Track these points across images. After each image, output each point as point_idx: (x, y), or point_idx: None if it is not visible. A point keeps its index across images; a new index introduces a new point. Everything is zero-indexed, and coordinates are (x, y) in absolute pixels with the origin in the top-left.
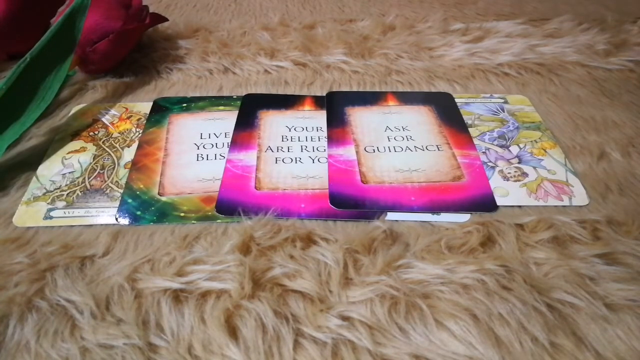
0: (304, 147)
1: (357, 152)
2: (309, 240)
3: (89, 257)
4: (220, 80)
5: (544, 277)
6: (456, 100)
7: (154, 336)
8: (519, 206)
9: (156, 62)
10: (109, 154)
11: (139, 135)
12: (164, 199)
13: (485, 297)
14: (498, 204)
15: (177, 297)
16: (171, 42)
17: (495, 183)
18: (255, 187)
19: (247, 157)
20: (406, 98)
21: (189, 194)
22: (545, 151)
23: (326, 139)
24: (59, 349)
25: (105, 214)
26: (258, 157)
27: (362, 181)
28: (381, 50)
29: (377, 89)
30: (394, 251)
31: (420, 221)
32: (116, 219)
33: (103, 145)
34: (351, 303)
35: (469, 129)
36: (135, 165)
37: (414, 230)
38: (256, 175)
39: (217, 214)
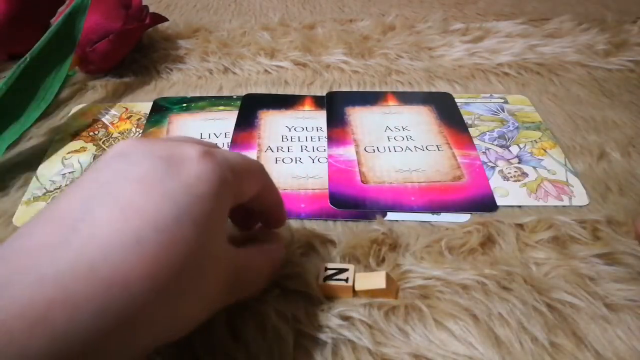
0: (304, 147)
1: (357, 152)
2: (309, 241)
3: None
4: (220, 80)
5: (544, 277)
6: (456, 100)
7: None
8: (519, 206)
9: (156, 62)
10: None
11: (139, 135)
12: None
13: (485, 297)
14: (498, 204)
15: None
16: (171, 42)
17: (495, 183)
18: None
19: None
20: (406, 98)
21: None
22: (545, 151)
23: (326, 139)
24: None
25: None
26: (258, 157)
27: (362, 181)
28: (381, 50)
29: (377, 89)
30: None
31: (421, 221)
32: None
33: (103, 146)
34: (351, 303)
35: (469, 129)
36: None
37: (414, 230)
38: None
39: None
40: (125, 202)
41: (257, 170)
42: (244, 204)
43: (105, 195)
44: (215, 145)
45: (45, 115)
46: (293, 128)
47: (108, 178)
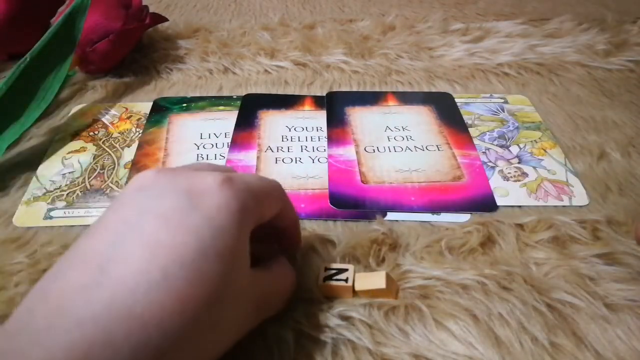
0: (304, 147)
1: (357, 152)
2: (309, 241)
3: None
4: (220, 80)
5: (544, 277)
6: (456, 100)
7: None
8: (519, 206)
9: (156, 62)
10: (109, 154)
11: (139, 135)
12: None
13: (485, 297)
14: (498, 204)
15: None
16: (171, 42)
17: (495, 183)
18: None
19: (247, 157)
20: (406, 98)
21: None
22: (545, 151)
23: (326, 139)
24: None
25: None
26: (258, 157)
27: (362, 181)
28: (381, 50)
29: (377, 89)
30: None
31: (421, 221)
32: None
33: (103, 145)
34: (351, 303)
35: (469, 129)
36: (136, 166)
37: (414, 230)
38: None
39: None
40: (150, 239)
41: (276, 191)
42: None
43: (131, 233)
44: (232, 170)
45: (45, 115)
46: (293, 128)
47: (132, 215)
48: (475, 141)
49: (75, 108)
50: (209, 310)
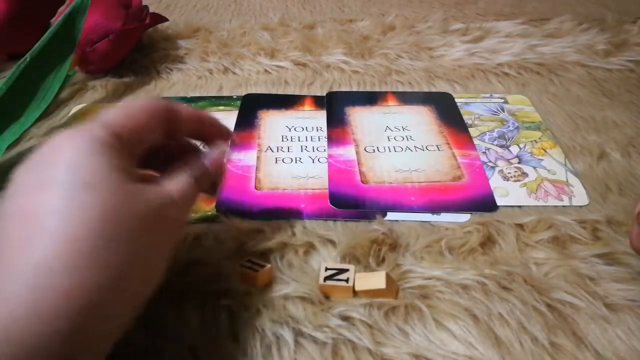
0: (304, 147)
1: (357, 152)
2: (309, 241)
3: None
4: (220, 80)
5: (544, 277)
6: (456, 100)
7: (154, 337)
8: (519, 206)
9: (156, 62)
10: None
11: None
12: None
13: (485, 297)
14: (498, 204)
15: (178, 298)
16: (171, 42)
17: (495, 183)
18: (255, 187)
19: (247, 157)
20: (406, 98)
21: None
22: (545, 151)
23: (326, 139)
24: None
25: None
26: (258, 157)
27: (362, 181)
28: (381, 50)
29: (377, 89)
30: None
31: (421, 221)
32: None
33: None
34: (351, 303)
35: (469, 129)
36: None
37: (414, 230)
38: (256, 175)
39: (218, 214)
40: (20, 209)
41: (145, 111)
42: (174, 146)
43: (8, 218)
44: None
45: (45, 115)
46: (293, 128)
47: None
48: (475, 141)
49: (75, 108)
50: (104, 237)
